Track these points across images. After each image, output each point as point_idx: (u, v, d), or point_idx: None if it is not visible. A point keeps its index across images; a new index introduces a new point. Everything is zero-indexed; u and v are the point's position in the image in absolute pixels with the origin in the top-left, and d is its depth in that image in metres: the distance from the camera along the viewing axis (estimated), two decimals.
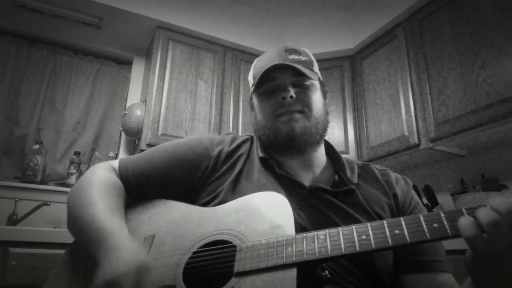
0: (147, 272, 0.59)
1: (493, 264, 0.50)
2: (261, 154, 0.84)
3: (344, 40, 2.75)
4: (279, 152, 0.84)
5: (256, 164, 0.83)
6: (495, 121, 1.75)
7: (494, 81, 1.77)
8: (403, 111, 2.26)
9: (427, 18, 2.20)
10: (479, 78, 1.85)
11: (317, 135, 0.83)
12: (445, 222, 0.52)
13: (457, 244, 1.50)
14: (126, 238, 0.64)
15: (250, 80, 0.92)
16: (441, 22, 2.11)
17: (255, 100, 0.89)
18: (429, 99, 2.11)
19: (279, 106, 0.81)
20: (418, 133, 2.14)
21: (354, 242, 0.55)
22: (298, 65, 0.81)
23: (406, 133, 2.20)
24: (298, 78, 0.83)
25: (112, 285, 0.55)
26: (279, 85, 0.83)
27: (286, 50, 0.85)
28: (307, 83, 0.84)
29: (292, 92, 0.81)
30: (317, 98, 0.85)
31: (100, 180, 0.77)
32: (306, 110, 0.82)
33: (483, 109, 1.80)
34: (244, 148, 0.86)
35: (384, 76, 2.45)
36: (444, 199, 2.21)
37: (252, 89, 0.89)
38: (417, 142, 2.13)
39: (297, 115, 0.81)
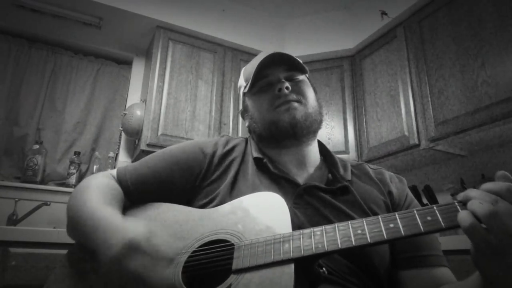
0: (153, 234, 0.62)
1: (497, 254, 0.48)
2: (255, 155, 0.85)
3: (344, 40, 2.75)
4: (276, 146, 0.86)
5: (251, 165, 0.84)
6: (495, 121, 1.76)
7: (494, 81, 1.77)
8: (403, 111, 2.26)
9: (427, 18, 2.20)
10: (479, 78, 1.85)
11: (316, 123, 0.86)
12: (439, 215, 0.53)
13: (459, 244, 1.50)
14: (118, 219, 0.66)
15: (242, 84, 0.94)
16: (441, 22, 2.11)
17: (249, 101, 0.91)
18: (429, 99, 2.11)
19: (276, 98, 0.84)
20: (418, 133, 2.14)
21: (350, 237, 0.56)
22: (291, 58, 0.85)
23: (406, 133, 2.20)
24: (290, 73, 0.87)
25: (128, 251, 0.58)
26: (273, 80, 0.86)
27: (275, 52, 0.88)
28: (299, 77, 0.88)
29: (287, 83, 0.84)
30: (310, 91, 0.88)
31: (98, 184, 0.78)
32: (302, 99, 0.85)
33: (483, 109, 1.80)
34: (238, 150, 0.87)
35: (384, 76, 2.45)
36: (444, 199, 2.21)
37: (245, 90, 0.91)
38: (417, 142, 2.13)
39: (295, 104, 0.83)
